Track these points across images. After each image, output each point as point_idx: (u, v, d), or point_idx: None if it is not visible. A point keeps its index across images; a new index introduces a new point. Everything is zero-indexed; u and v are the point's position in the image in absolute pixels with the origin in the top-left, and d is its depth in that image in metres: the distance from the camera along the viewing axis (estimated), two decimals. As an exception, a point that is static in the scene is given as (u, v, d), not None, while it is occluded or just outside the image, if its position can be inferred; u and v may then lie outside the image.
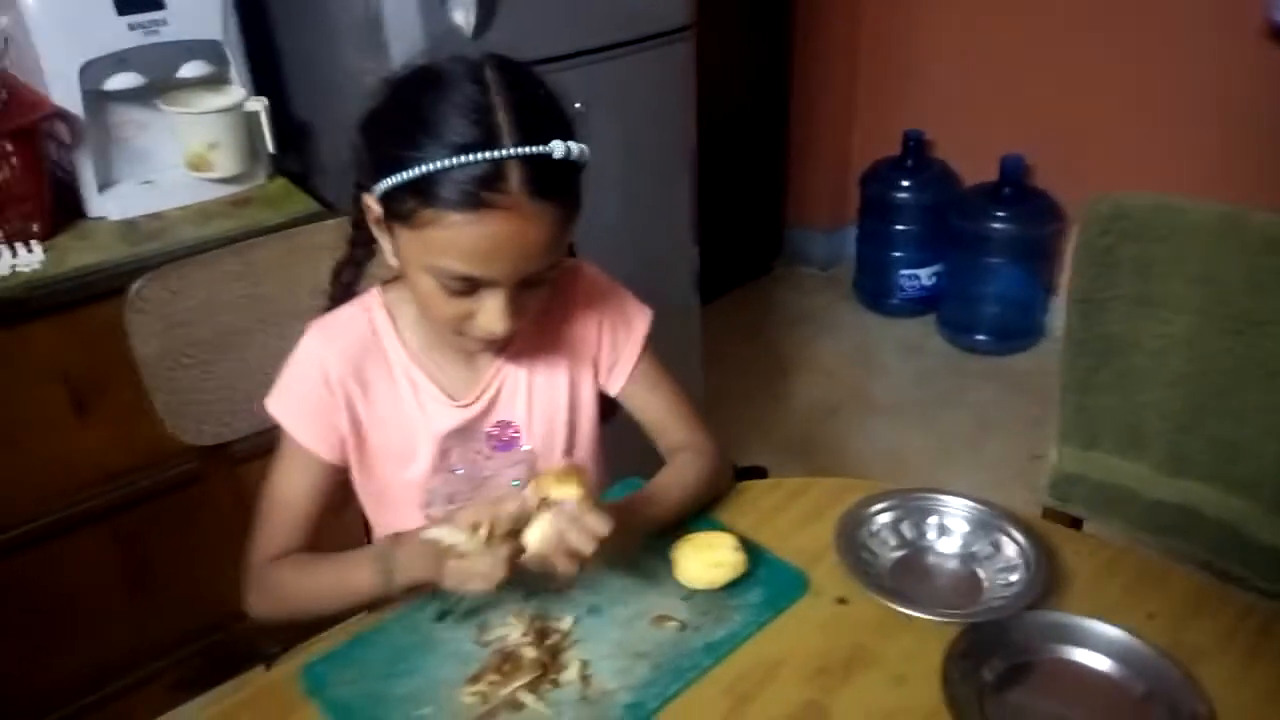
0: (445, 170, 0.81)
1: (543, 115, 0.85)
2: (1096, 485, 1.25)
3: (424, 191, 0.82)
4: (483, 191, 0.81)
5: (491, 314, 0.88)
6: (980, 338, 2.87)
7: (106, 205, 1.64)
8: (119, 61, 1.57)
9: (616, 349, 1.08)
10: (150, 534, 1.67)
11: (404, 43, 1.51)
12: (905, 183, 2.89)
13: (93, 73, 1.55)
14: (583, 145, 0.85)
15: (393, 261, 0.94)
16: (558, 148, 0.82)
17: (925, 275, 2.97)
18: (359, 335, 1.00)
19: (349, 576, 0.95)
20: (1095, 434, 1.24)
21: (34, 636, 1.62)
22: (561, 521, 0.86)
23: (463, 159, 0.80)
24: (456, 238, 0.83)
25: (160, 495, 1.65)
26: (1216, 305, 1.09)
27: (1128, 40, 2.52)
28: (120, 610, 1.69)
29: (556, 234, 0.86)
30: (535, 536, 0.87)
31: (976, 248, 2.77)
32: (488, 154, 0.80)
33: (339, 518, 1.07)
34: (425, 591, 0.93)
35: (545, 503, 0.88)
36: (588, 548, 0.86)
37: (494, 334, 0.90)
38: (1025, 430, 2.54)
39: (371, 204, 0.90)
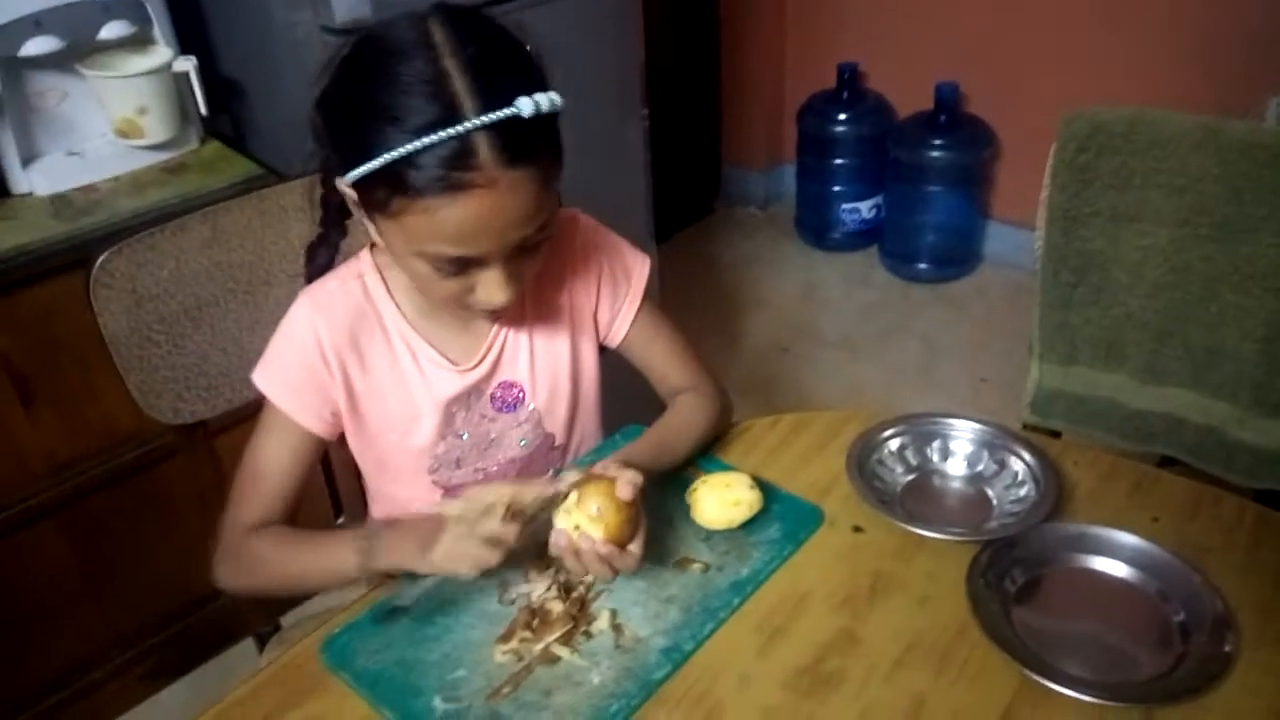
0: (411, 156, 0.75)
1: (503, 71, 0.78)
2: (1077, 399, 1.28)
3: (395, 180, 0.77)
4: (454, 172, 0.75)
5: (490, 287, 0.84)
6: (922, 266, 2.90)
7: (32, 180, 1.54)
8: (34, 25, 1.47)
9: (616, 300, 1.06)
10: (108, 522, 1.61)
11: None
12: (841, 116, 2.89)
13: (6, 38, 1.45)
14: (552, 95, 0.78)
15: (379, 242, 0.89)
16: (525, 106, 0.75)
17: (865, 208, 2.99)
18: (352, 302, 0.95)
19: (328, 556, 0.91)
20: (1074, 349, 1.27)
21: (-2, 637, 1.56)
22: (587, 548, 0.85)
23: (426, 140, 0.74)
24: (437, 223, 0.78)
25: (115, 482, 1.59)
26: (1195, 214, 1.12)
27: (1054, -38, 2.54)
28: (85, 602, 1.63)
29: (540, 195, 0.80)
30: (562, 525, 0.86)
31: (915, 177, 2.79)
32: (451, 130, 0.74)
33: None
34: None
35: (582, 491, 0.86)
36: (605, 578, 0.88)
37: (497, 305, 0.86)
38: (972, 354, 2.60)
39: (346, 189, 0.84)
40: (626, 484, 0.84)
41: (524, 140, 0.77)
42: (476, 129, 0.74)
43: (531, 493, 0.85)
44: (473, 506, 0.83)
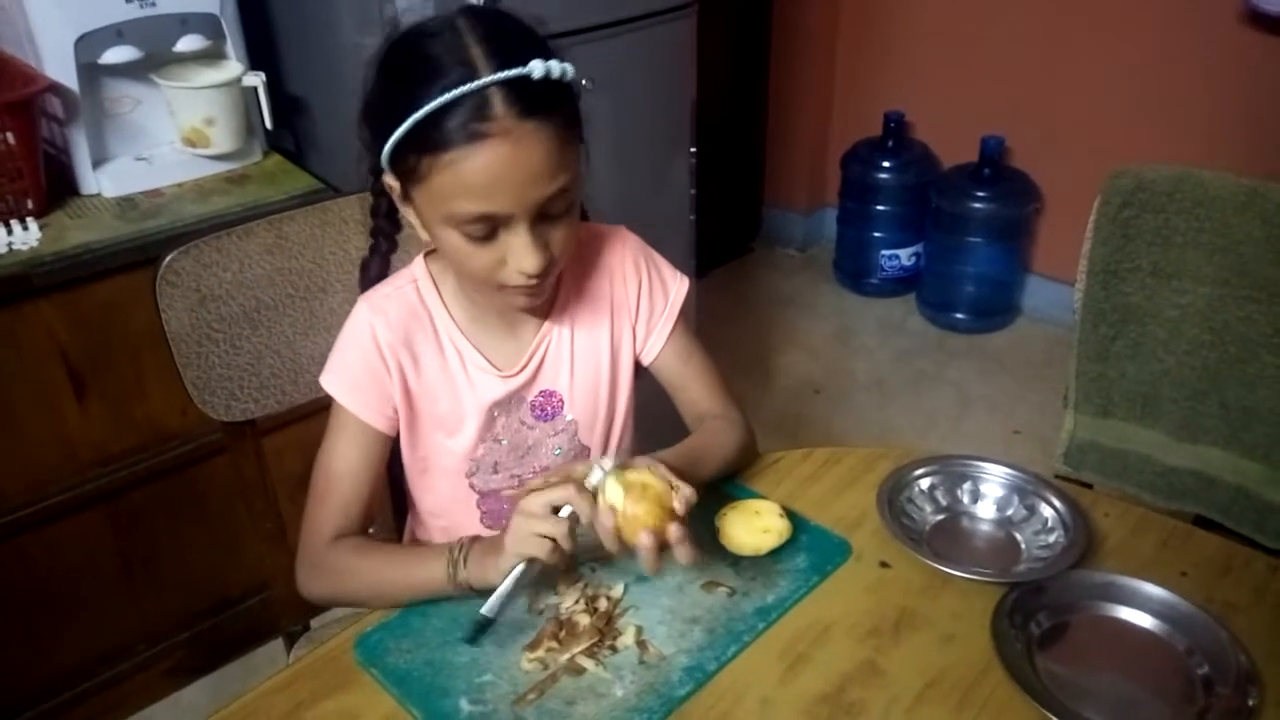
0: (434, 114, 0.81)
1: (516, 41, 0.85)
2: (1110, 452, 1.29)
3: (421, 142, 0.83)
4: (471, 124, 0.81)
5: (519, 251, 0.87)
6: (959, 316, 2.91)
7: (101, 182, 1.61)
8: (115, 34, 1.54)
9: (653, 316, 1.09)
10: (148, 517, 1.65)
11: (414, 18, 1.49)
12: (886, 164, 2.92)
13: (88, 45, 1.52)
14: (565, 64, 0.85)
15: (424, 236, 0.93)
16: (536, 66, 0.83)
17: (905, 255, 3.01)
18: (406, 305, 1.00)
19: (419, 569, 0.93)
20: (1110, 402, 1.27)
21: (32, 621, 1.59)
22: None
23: (447, 97, 0.80)
24: (459, 176, 0.83)
25: (158, 478, 1.64)
26: (1235, 275, 1.13)
27: (1106, 23, 2.57)
28: (119, 594, 1.67)
29: (558, 153, 0.85)
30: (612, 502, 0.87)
31: (956, 228, 2.81)
32: (469, 86, 0.81)
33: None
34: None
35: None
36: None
37: (528, 272, 0.88)
38: (1006, 406, 2.60)
39: (390, 181, 0.90)
40: (683, 500, 0.86)
41: (537, 97, 0.83)
42: (492, 85, 0.81)
43: (580, 470, 0.88)
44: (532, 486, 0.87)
